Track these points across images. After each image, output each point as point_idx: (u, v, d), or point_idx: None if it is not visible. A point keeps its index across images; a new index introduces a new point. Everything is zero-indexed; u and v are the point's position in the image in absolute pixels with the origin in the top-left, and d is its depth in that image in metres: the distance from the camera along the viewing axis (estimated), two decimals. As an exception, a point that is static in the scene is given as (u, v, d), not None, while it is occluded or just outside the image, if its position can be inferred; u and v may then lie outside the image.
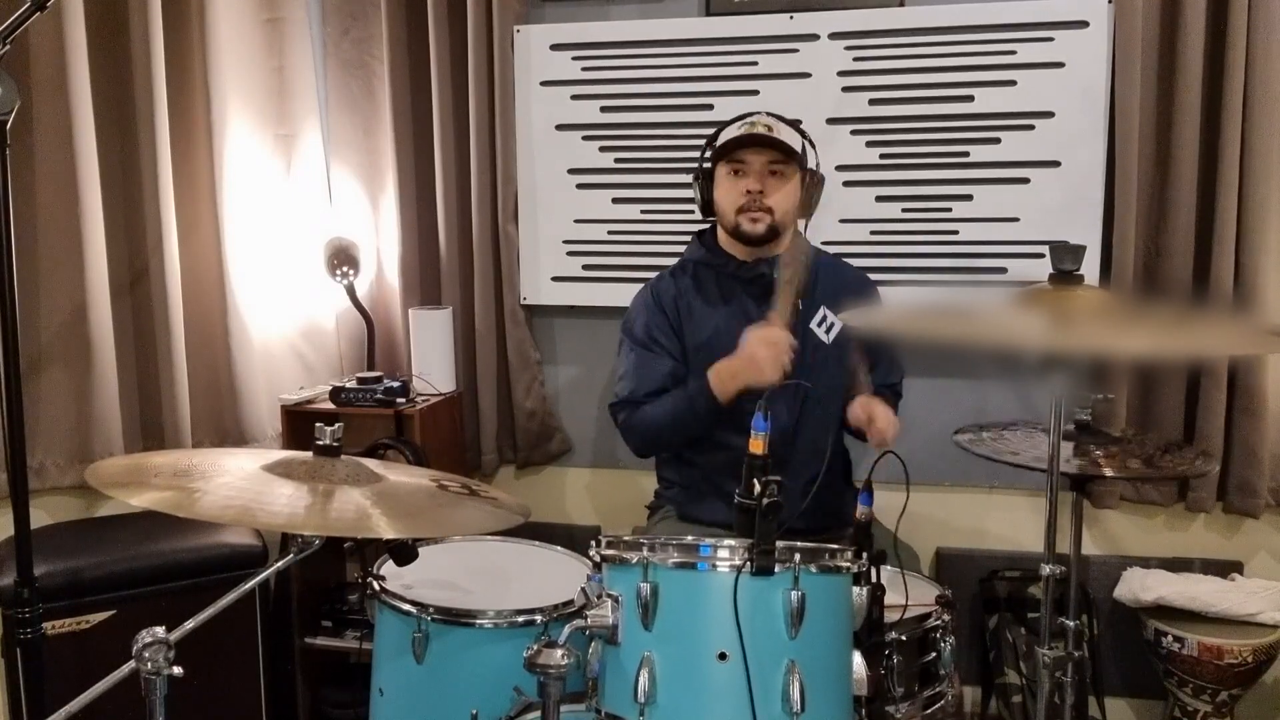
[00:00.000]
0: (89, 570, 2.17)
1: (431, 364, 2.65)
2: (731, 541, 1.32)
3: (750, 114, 2.13)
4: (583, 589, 1.41)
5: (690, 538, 1.36)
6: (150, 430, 2.60)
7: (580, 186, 2.69)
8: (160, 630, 1.32)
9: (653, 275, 2.30)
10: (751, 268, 2.13)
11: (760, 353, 1.92)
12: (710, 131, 2.18)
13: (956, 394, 2.56)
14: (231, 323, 2.66)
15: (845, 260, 2.34)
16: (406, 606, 1.69)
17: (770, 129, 2.07)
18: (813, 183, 2.14)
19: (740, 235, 2.11)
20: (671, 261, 2.31)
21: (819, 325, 2.15)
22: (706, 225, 2.25)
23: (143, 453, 2.45)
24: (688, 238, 2.29)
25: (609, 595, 1.35)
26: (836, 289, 2.18)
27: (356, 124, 2.79)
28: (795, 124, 2.17)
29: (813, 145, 2.16)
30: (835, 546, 1.37)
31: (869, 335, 2.11)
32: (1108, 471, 1.83)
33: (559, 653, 1.29)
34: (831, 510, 2.12)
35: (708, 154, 2.16)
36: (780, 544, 1.31)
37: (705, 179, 2.17)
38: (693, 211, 2.22)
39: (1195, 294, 2.36)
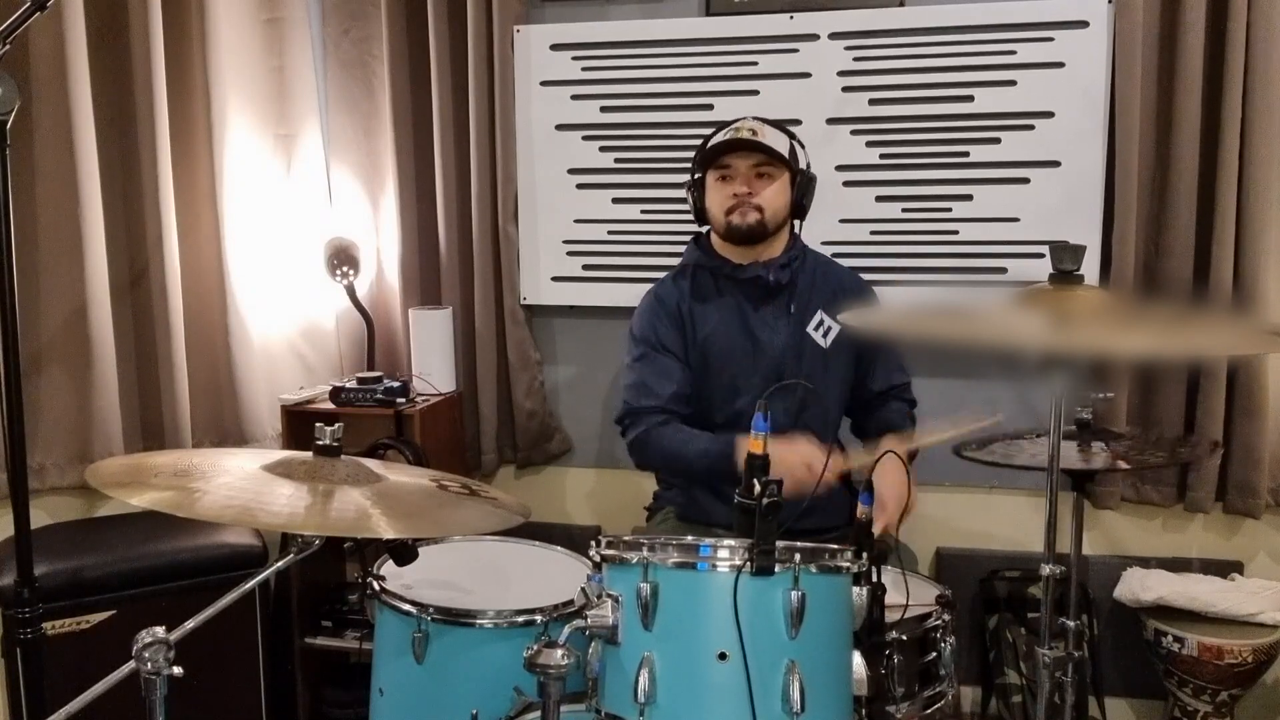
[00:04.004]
0: (89, 570, 2.17)
1: (431, 364, 2.65)
2: (731, 541, 1.32)
3: (736, 120, 2.14)
4: (583, 589, 1.41)
5: (690, 538, 1.36)
6: (150, 430, 2.60)
7: (580, 186, 2.69)
8: (160, 630, 1.31)
9: (652, 275, 2.30)
10: (746, 269, 2.13)
11: (794, 468, 1.80)
12: (707, 134, 2.18)
13: (957, 394, 2.55)
14: (231, 323, 2.66)
15: (837, 261, 2.34)
16: (406, 606, 1.69)
17: (755, 132, 2.07)
18: (803, 183, 2.14)
19: (732, 233, 2.10)
20: (671, 261, 2.31)
21: (815, 329, 2.15)
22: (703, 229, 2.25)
23: (143, 453, 2.45)
24: (688, 238, 2.29)
25: (609, 595, 1.35)
26: (833, 292, 2.18)
27: (356, 124, 2.80)
28: (784, 126, 2.16)
29: (802, 146, 2.16)
30: (835, 546, 1.37)
31: (867, 336, 2.12)
32: (1118, 464, 1.83)
33: (559, 653, 1.29)
34: (831, 510, 2.12)
35: (696, 165, 2.16)
36: (780, 544, 1.31)
37: (696, 188, 2.17)
38: (691, 211, 2.22)
39: (1195, 294, 2.36)
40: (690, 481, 2.17)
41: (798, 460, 1.83)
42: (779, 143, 2.09)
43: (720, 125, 2.15)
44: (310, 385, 2.70)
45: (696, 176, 2.17)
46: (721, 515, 2.10)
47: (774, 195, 2.09)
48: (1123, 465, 1.85)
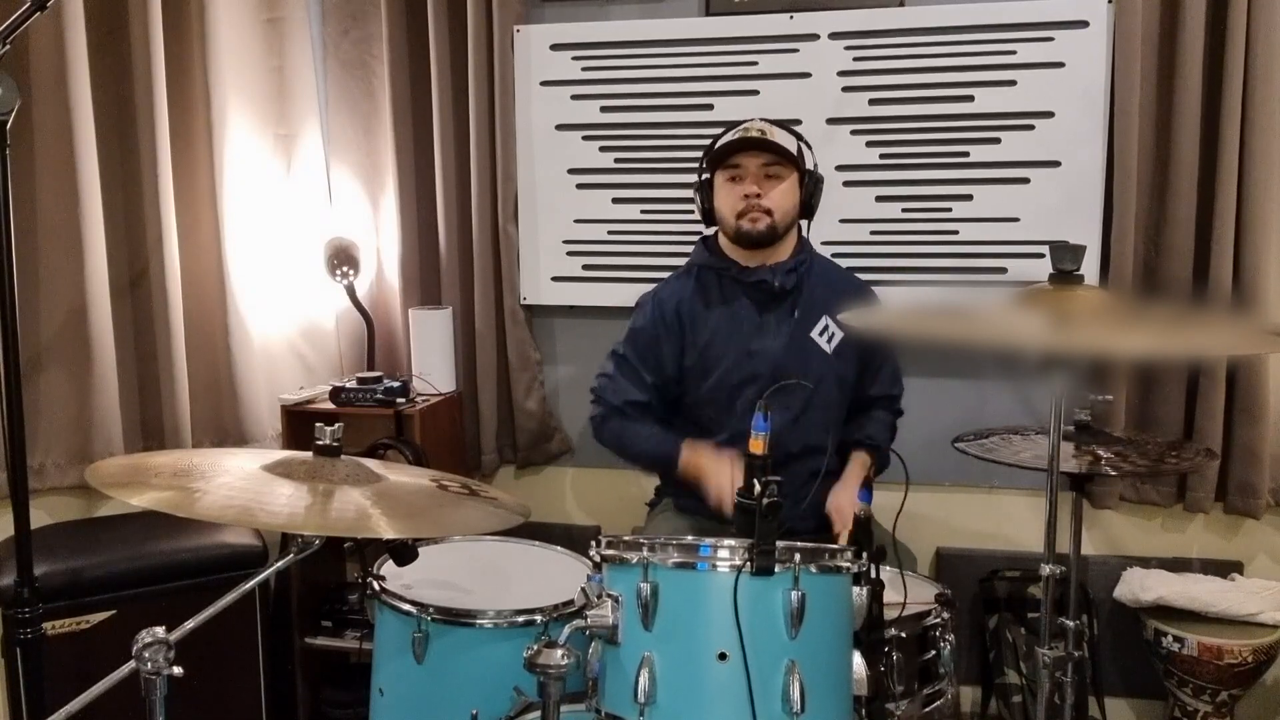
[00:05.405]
0: (89, 570, 2.17)
1: (431, 364, 2.65)
2: (731, 541, 1.32)
3: (744, 121, 2.15)
4: (583, 589, 1.41)
5: (690, 538, 1.36)
6: (150, 430, 2.60)
7: (580, 186, 2.69)
8: (160, 630, 1.32)
9: (652, 275, 2.31)
10: (752, 272, 2.14)
11: (709, 478, 2.03)
12: (710, 133, 2.19)
13: (957, 394, 2.56)
14: (231, 323, 2.66)
15: (837, 263, 2.35)
16: (406, 606, 1.69)
17: (764, 132, 2.08)
18: (811, 183, 2.14)
19: (742, 237, 2.12)
20: (671, 261, 2.32)
21: (820, 334, 2.15)
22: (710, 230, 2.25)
23: (143, 453, 2.45)
24: (688, 238, 2.30)
25: (609, 595, 1.35)
26: (836, 296, 2.18)
27: (356, 124, 2.80)
28: (791, 127, 2.17)
29: (809, 146, 2.16)
30: (835, 546, 1.37)
31: (869, 342, 2.12)
32: (1109, 470, 1.84)
33: (559, 653, 1.29)
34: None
35: (705, 165, 2.17)
36: (780, 544, 1.31)
37: (705, 189, 2.18)
38: (692, 211, 2.23)
39: (1195, 294, 2.36)
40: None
41: (712, 473, 2.03)
42: (787, 142, 2.10)
43: (723, 126, 2.16)
44: (310, 385, 2.70)
45: (705, 177, 2.18)
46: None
47: (783, 196, 2.10)
48: (1110, 472, 1.85)
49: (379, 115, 2.75)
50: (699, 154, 2.20)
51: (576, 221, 2.70)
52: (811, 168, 2.15)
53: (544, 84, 2.67)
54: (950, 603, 1.75)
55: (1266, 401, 2.35)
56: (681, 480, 2.11)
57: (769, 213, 2.09)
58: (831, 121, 2.53)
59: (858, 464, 2.17)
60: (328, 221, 2.81)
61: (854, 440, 2.20)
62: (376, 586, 1.74)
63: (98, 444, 2.45)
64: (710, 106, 2.57)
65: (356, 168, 2.81)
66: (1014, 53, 2.43)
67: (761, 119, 2.15)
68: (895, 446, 2.22)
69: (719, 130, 2.19)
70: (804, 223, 2.22)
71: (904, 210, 2.52)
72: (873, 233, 2.54)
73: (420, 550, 1.65)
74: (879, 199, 2.53)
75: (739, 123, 2.15)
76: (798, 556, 1.31)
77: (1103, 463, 1.86)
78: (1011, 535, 2.59)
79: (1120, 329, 1.50)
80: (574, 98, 2.66)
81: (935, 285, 2.51)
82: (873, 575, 1.42)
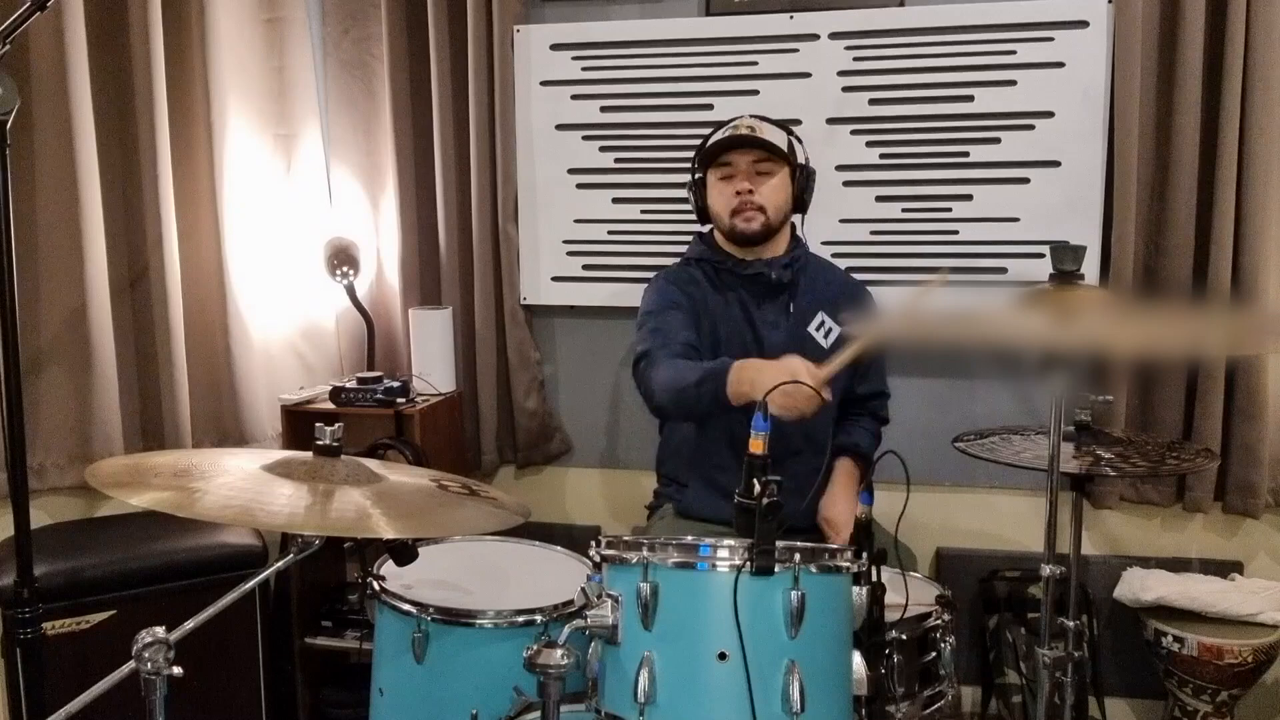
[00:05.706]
0: (89, 570, 2.17)
1: (431, 364, 2.65)
2: (731, 541, 1.32)
3: (734, 118, 2.15)
4: (583, 589, 1.41)
5: (690, 537, 1.36)
6: (150, 430, 2.60)
7: (580, 186, 2.69)
8: (160, 630, 1.32)
9: (652, 276, 2.30)
10: (749, 265, 2.15)
11: (773, 369, 1.77)
12: (706, 134, 2.19)
13: (956, 395, 2.56)
14: (231, 323, 2.66)
15: (832, 262, 2.35)
16: (406, 606, 1.69)
17: (753, 129, 2.08)
18: (803, 178, 2.15)
19: (736, 236, 2.12)
20: (671, 261, 2.31)
21: (817, 330, 2.16)
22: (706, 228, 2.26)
23: (143, 453, 2.45)
24: (687, 238, 2.30)
25: (609, 595, 1.35)
26: (833, 293, 2.18)
27: (356, 124, 2.80)
28: (782, 124, 2.17)
29: (799, 141, 2.17)
30: (835, 546, 1.37)
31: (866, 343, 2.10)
32: (1109, 471, 1.84)
33: (559, 653, 1.29)
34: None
35: (697, 164, 2.18)
36: (780, 544, 1.31)
37: (698, 188, 2.18)
38: (692, 211, 2.23)
39: (1195, 293, 2.36)
40: (692, 453, 2.17)
41: (784, 372, 1.72)
42: (777, 138, 2.10)
43: (719, 125, 2.16)
44: (310, 385, 2.70)
45: (697, 176, 2.18)
46: (720, 511, 2.10)
47: (774, 191, 2.10)
48: (1110, 472, 1.85)
49: (379, 115, 2.76)
50: (690, 164, 2.20)
51: (576, 221, 2.70)
52: (803, 162, 2.15)
53: (544, 84, 2.67)
54: (951, 604, 1.75)
55: (1266, 401, 2.35)
56: (729, 402, 1.84)
57: (762, 210, 2.09)
58: (831, 121, 2.53)
59: (845, 474, 2.14)
60: (328, 221, 2.81)
61: (839, 445, 2.18)
62: (376, 586, 1.74)
63: (98, 444, 2.45)
64: (710, 106, 2.57)
65: (356, 168, 2.81)
66: (1014, 53, 2.43)
67: (751, 115, 2.15)
68: (896, 447, 2.21)
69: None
70: (798, 218, 2.22)
71: (904, 210, 2.52)
72: (873, 233, 2.54)
73: (420, 550, 1.65)
74: (879, 199, 2.53)
75: (730, 120, 2.15)
76: (798, 556, 1.31)
77: (1103, 463, 1.86)
78: (1011, 535, 2.59)
79: (1120, 329, 1.50)
80: (574, 98, 2.66)
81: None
82: (874, 579, 1.42)
